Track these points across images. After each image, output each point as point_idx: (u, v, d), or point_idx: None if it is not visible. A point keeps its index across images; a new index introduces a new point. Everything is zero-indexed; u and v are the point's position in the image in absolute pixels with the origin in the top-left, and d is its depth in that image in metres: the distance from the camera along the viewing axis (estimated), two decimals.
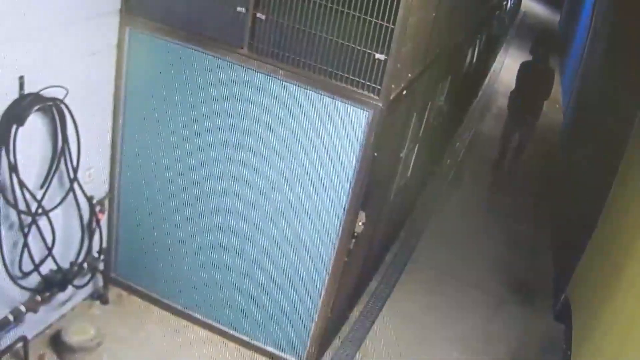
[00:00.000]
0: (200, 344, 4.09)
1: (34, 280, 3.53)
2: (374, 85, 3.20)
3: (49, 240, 3.48)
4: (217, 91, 3.52)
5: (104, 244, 4.03)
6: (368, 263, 4.73)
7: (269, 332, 4.04)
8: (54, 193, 3.45)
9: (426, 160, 5.84)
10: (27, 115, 3.03)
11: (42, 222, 3.39)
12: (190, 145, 3.71)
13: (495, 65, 12.29)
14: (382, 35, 3.08)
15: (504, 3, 11.09)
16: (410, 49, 3.38)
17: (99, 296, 4.20)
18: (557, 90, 9.24)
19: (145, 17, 3.52)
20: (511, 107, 7.41)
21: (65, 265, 3.73)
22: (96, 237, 3.90)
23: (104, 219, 3.96)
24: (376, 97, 3.22)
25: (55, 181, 3.42)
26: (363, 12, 3.07)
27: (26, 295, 3.51)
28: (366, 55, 3.15)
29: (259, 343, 4.09)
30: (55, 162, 3.36)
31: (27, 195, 3.22)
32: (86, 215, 3.76)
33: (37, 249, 3.44)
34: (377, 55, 3.12)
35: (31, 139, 3.19)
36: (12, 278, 3.34)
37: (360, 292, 4.90)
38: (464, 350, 4.68)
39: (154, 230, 4.05)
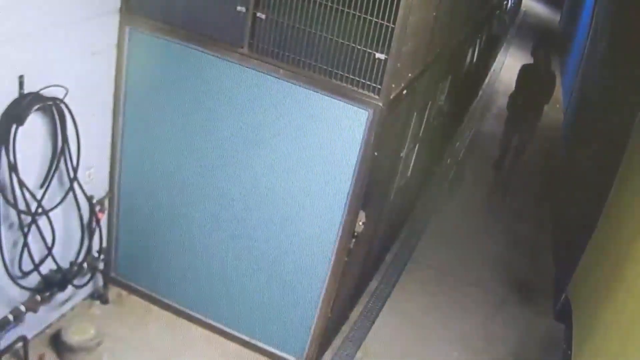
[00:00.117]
0: (200, 344, 4.09)
1: (33, 279, 3.53)
2: (374, 85, 3.20)
3: (49, 240, 3.48)
4: (217, 91, 3.51)
5: (104, 244, 4.02)
6: (368, 263, 4.72)
7: (269, 332, 4.03)
8: (54, 193, 3.45)
9: (426, 159, 5.83)
10: (27, 115, 3.03)
11: (42, 221, 3.39)
12: (189, 144, 3.71)
13: (496, 65, 12.29)
14: (382, 35, 3.07)
15: (504, 2, 11.08)
16: (410, 49, 3.37)
17: (99, 296, 4.20)
18: (557, 89, 9.22)
19: (145, 16, 3.51)
20: (511, 109, 7.37)
21: (65, 265, 3.73)
22: (96, 236, 3.89)
23: (103, 218, 3.96)
24: (376, 97, 3.22)
25: (55, 181, 3.42)
26: (363, 11, 3.07)
27: (26, 295, 3.51)
28: (366, 54, 3.14)
29: (259, 343, 4.09)
30: (55, 162, 3.36)
31: (27, 195, 3.22)
32: (86, 215, 3.76)
33: (37, 249, 3.44)
34: (378, 55, 3.12)
35: (31, 139, 3.18)
36: (12, 278, 3.33)
37: (360, 292, 4.90)
38: (464, 350, 4.67)
39: (154, 229, 4.05)
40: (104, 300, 4.20)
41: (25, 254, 3.36)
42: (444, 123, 6.01)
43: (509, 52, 13.65)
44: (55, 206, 3.44)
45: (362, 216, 3.61)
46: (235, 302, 4.03)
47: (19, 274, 3.39)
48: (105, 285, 4.21)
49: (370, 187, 3.55)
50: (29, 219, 3.30)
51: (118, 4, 3.52)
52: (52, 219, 3.44)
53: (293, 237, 3.69)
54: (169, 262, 4.10)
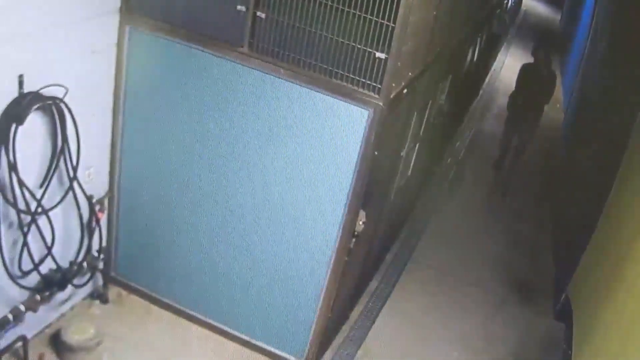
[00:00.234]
0: (200, 343, 4.09)
1: (33, 279, 3.52)
2: (374, 84, 3.19)
3: (49, 240, 3.47)
4: (217, 90, 3.51)
5: (104, 243, 4.02)
6: (368, 262, 4.72)
7: (269, 332, 4.03)
8: (54, 192, 3.44)
9: (427, 159, 5.83)
10: (27, 114, 3.02)
11: (42, 221, 3.39)
12: (189, 143, 3.71)
13: (496, 64, 12.29)
14: (382, 34, 3.07)
15: (505, 2, 11.08)
16: (410, 48, 3.37)
17: (99, 295, 4.19)
18: (557, 89, 9.21)
19: (145, 15, 3.51)
20: (511, 108, 7.34)
21: (65, 264, 3.73)
22: (96, 236, 3.89)
23: (103, 218, 3.95)
24: (376, 96, 3.22)
25: (54, 180, 3.41)
26: (364, 10, 3.06)
27: (26, 294, 3.51)
28: (367, 54, 3.14)
29: (259, 342, 4.09)
30: (55, 161, 3.36)
31: (27, 195, 3.22)
32: (86, 215, 3.75)
33: (36, 248, 3.43)
34: (378, 54, 3.12)
35: (31, 138, 3.18)
36: (12, 277, 3.33)
37: (360, 292, 4.89)
38: (465, 349, 4.67)
39: (153, 229, 4.04)
40: (104, 300, 4.20)
41: (25, 253, 3.35)
42: (444, 123, 6.01)
43: (510, 51, 13.65)
44: (55, 206, 3.44)
45: (362, 216, 3.60)
46: (236, 301, 4.02)
47: (18, 273, 3.39)
48: (105, 284, 4.21)
49: (370, 187, 3.55)
50: (28, 218, 3.29)
51: (118, 3, 3.52)
52: (52, 218, 3.44)
53: (293, 236, 3.69)
54: (169, 261, 4.09)
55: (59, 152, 3.35)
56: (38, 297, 3.56)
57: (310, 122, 3.38)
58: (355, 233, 3.63)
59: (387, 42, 3.08)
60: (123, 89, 3.73)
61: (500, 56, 12.86)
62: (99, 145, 3.80)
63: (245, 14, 3.27)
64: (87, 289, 4.13)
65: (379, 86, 3.19)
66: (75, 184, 3.51)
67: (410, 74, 3.62)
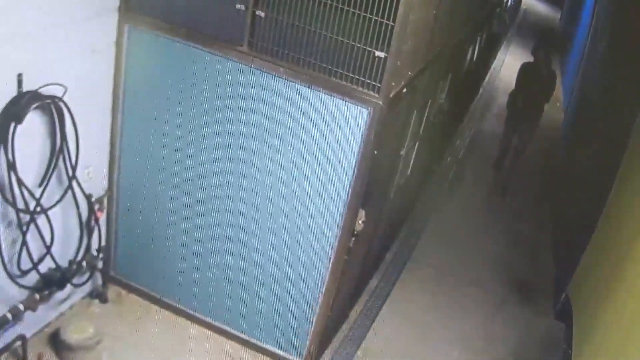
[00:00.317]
0: (199, 343, 4.08)
1: (32, 278, 3.52)
2: (374, 83, 3.19)
3: (48, 239, 3.47)
4: (216, 89, 3.50)
5: (103, 243, 4.02)
6: (368, 261, 4.71)
7: (269, 331, 4.02)
8: (53, 191, 3.44)
9: (426, 158, 5.83)
10: (26, 113, 3.02)
11: (41, 220, 3.38)
12: (189, 143, 3.70)
13: (496, 63, 12.28)
14: (382, 33, 3.06)
15: (505, 1, 11.08)
16: (410, 47, 3.36)
17: (98, 295, 4.19)
18: (558, 88, 9.20)
19: (145, 14, 3.50)
20: (511, 107, 7.28)
21: (64, 263, 3.72)
22: (95, 235, 3.88)
23: (102, 217, 3.95)
24: (376, 95, 3.21)
25: (53, 179, 3.41)
26: (363, 9, 3.06)
27: (25, 293, 3.50)
28: (366, 52, 3.13)
29: (258, 341, 4.08)
30: (54, 160, 3.35)
31: (26, 194, 3.21)
32: (85, 214, 3.74)
33: (35, 248, 3.42)
34: (377, 53, 3.11)
35: (30, 137, 3.17)
36: (11, 276, 3.32)
37: (360, 291, 4.89)
38: (465, 349, 4.67)
39: (153, 228, 4.04)
40: (103, 299, 4.19)
41: (24, 252, 3.35)
42: (444, 122, 6.00)
43: (509, 50, 13.64)
44: (54, 205, 3.43)
45: (361, 215, 3.60)
46: (235, 300, 4.02)
47: (17, 272, 3.38)
48: (104, 284, 4.20)
49: (370, 186, 3.54)
50: (27, 217, 3.29)
51: (117, 2, 3.51)
52: (51, 217, 3.43)
53: (292, 235, 3.68)
54: (169, 260, 4.09)
55: (58, 151, 3.34)
56: (37, 296, 3.55)
57: (310, 121, 3.38)
58: (355, 232, 3.63)
59: (386, 41, 3.07)
60: (122, 88, 3.72)
61: (500, 55, 12.86)
62: (98, 144, 3.79)
63: (245, 13, 3.26)
64: (87, 288, 4.12)
65: (379, 85, 3.18)
66: (74, 183, 3.51)
67: (410, 73, 3.62)
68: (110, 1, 3.48)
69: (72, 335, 3.68)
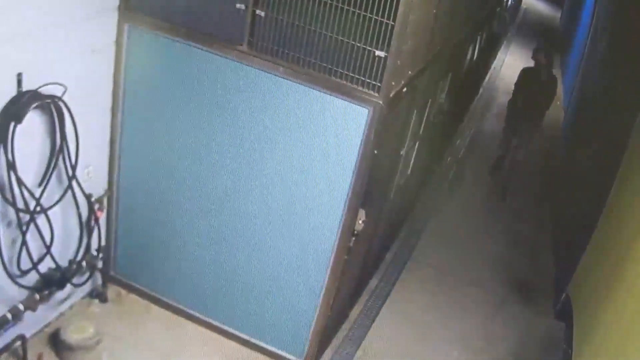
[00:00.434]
0: (199, 343, 4.08)
1: (32, 278, 3.52)
2: (374, 83, 3.18)
3: (48, 239, 3.46)
4: (216, 88, 3.50)
5: (103, 242, 4.02)
6: (368, 261, 4.71)
7: (269, 331, 4.02)
8: (53, 191, 3.43)
9: (426, 158, 5.82)
10: (25, 113, 3.02)
11: (41, 220, 3.38)
12: (189, 142, 3.70)
13: (496, 63, 12.28)
14: (382, 33, 3.06)
15: (505, 0, 11.07)
16: (410, 46, 3.36)
17: (98, 294, 4.18)
18: (558, 88, 9.19)
19: (144, 14, 3.50)
20: (511, 112, 7.06)
21: (64, 263, 3.72)
22: (95, 235, 3.88)
23: (102, 217, 3.94)
24: (376, 95, 3.21)
25: (53, 179, 3.40)
26: (363, 8, 3.06)
27: (25, 293, 3.50)
28: (366, 52, 3.13)
29: (258, 341, 4.08)
30: (54, 160, 3.35)
31: (26, 193, 3.20)
32: (85, 213, 3.74)
33: (35, 247, 3.42)
34: (377, 53, 3.11)
35: (29, 137, 3.17)
36: (11, 276, 3.32)
37: (360, 291, 4.89)
38: (465, 349, 4.66)
39: (153, 228, 4.04)
40: (103, 299, 4.19)
41: (24, 252, 3.35)
42: (444, 121, 6.00)
43: (510, 50, 13.64)
44: (54, 204, 3.43)
45: (362, 214, 3.59)
46: (235, 300, 4.01)
47: (17, 272, 3.38)
48: (104, 283, 4.20)
49: (370, 186, 3.54)
50: (27, 217, 3.28)
51: (117, 2, 3.51)
52: (51, 217, 3.43)
53: (292, 234, 3.68)
54: (168, 260, 4.09)
55: (58, 150, 3.34)
56: (37, 296, 3.55)
57: (310, 120, 3.37)
58: (355, 232, 3.63)
59: (387, 40, 3.07)
60: (122, 88, 3.72)
61: (500, 55, 12.86)
62: (98, 144, 3.79)
63: (245, 12, 3.26)
64: (86, 288, 4.12)
65: (379, 85, 3.18)
66: (74, 183, 3.50)
67: (410, 72, 3.61)
68: (110, 1, 3.48)
69: (72, 335, 3.67)
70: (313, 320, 3.87)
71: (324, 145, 3.40)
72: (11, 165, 3.05)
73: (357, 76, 3.20)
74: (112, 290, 4.28)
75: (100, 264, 4.06)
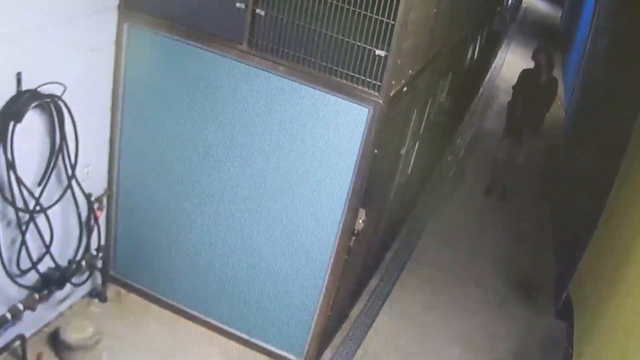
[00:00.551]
0: (199, 342, 4.07)
1: (32, 278, 3.51)
2: (374, 82, 3.18)
3: (47, 238, 3.46)
4: (216, 87, 3.49)
5: (103, 242, 4.01)
6: (368, 261, 4.70)
7: (269, 330, 4.02)
8: (52, 190, 3.43)
9: (427, 157, 5.81)
10: (25, 112, 3.01)
11: (40, 219, 3.37)
12: (188, 141, 3.69)
13: (496, 62, 12.27)
14: (382, 32, 3.05)
15: None
16: (411, 45, 3.35)
17: (98, 294, 4.18)
18: (559, 87, 9.18)
19: (144, 12, 3.49)
20: (510, 117, 6.87)
21: (64, 263, 3.71)
22: (94, 234, 3.87)
23: (102, 216, 3.94)
24: (376, 94, 3.20)
25: (53, 178, 3.40)
26: (363, 8, 3.05)
27: (24, 293, 3.49)
28: (366, 51, 3.12)
29: (258, 341, 4.07)
30: (53, 159, 3.34)
31: (25, 193, 3.20)
32: (84, 213, 3.73)
33: (35, 247, 3.41)
34: (378, 52, 3.10)
35: (29, 136, 3.16)
36: (10, 276, 3.32)
37: (360, 290, 4.88)
38: (465, 348, 4.66)
39: (152, 227, 4.03)
40: (103, 299, 4.18)
41: (24, 252, 3.34)
42: (445, 120, 5.99)
43: (510, 49, 13.63)
44: (54, 204, 3.43)
45: (362, 214, 3.59)
46: (235, 300, 4.01)
47: (17, 272, 3.38)
48: (103, 283, 4.19)
49: (370, 185, 3.53)
50: (26, 216, 3.28)
51: (117, 0, 3.50)
52: (50, 216, 3.42)
53: (293, 234, 3.67)
54: (169, 260, 4.08)
55: (57, 150, 3.33)
56: (36, 295, 3.54)
57: (310, 120, 3.36)
58: (355, 231, 3.62)
59: (387, 39, 3.06)
60: (122, 87, 3.71)
61: (500, 53, 12.85)
62: (97, 143, 3.78)
63: (245, 11, 3.25)
64: (86, 288, 4.11)
65: (379, 84, 3.17)
66: (73, 182, 3.50)
67: (410, 71, 3.61)
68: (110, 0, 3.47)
69: (72, 334, 3.67)
70: (313, 319, 3.86)
71: (324, 144, 3.39)
72: (11, 165, 3.05)
73: (357, 75, 3.19)
74: (111, 290, 4.27)
75: (99, 264, 4.05)
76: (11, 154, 3.02)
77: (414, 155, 4.88)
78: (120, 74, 3.67)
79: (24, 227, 3.27)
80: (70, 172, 3.44)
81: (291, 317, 3.91)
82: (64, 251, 3.71)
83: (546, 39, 14.48)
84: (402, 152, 4.38)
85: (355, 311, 4.72)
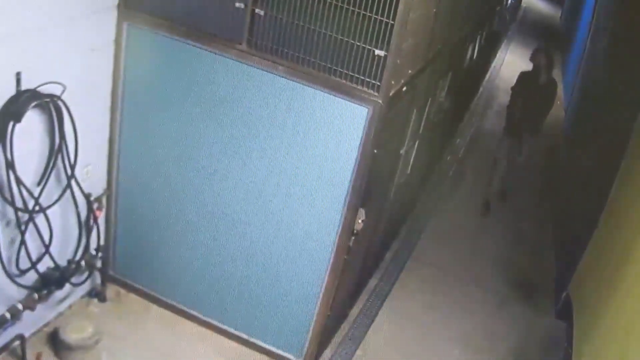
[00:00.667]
0: (198, 342, 4.07)
1: (31, 278, 3.51)
2: (373, 82, 3.17)
3: (47, 238, 3.46)
4: (215, 87, 3.49)
5: (102, 242, 4.01)
6: (368, 261, 4.70)
7: (268, 330, 4.02)
8: (51, 190, 3.43)
9: (427, 157, 5.81)
10: (24, 112, 3.01)
11: (40, 219, 3.37)
12: (188, 141, 3.69)
13: (496, 62, 12.27)
14: (382, 31, 3.05)
15: None
16: (410, 45, 3.35)
17: (97, 294, 4.18)
18: (559, 87, 9.18)
19: (144, 12, 3.49)
20: (509, 119, 6.76)
21: (63, 262, 3.71)
22: (94, 234, 3.87)
23: (101, 216, 3.94)
24: (376, 94, 3.20)
25: (52, 178, 3.39)
26: (363, 7, 3.05)
27: (23, 293, 3.49)
28: (366, 51, 3.12)
29: (258, 341, 4.07)
30: (53, 159, 3.34)
31: (24, 192, 3.20)
32: (84, 213, 3.73)
33: (34, 247, 3.41)
34: (377, 52, 3.10)
35: (28, 136, 3.16)
36: (10, 276, 3.32)
37: (360, 290, 4.88)
38: (465, 348, 4.66)
39: (152, 227, 4.03)
40: (102, 299, 4.18)
41: (23, 252, 3.34)
42: (444, 120, 5.99)
43: (510, 48, 13.63)
44: (53, 204, 3.42)
45: (361, 214, 3.59)
46: (234, 300, 4.01)
47: (16, 272, 3.37)
48: (103, 283, 4.19)
49: (369, 185, 3.53)
50: (26, 216, 3.28)
51: (116, 0, 3.50)
52: (50, 216, 3.42)
53: (292, 234, 3.67)
54: (168, 260, 4.08)
55: (57, 149, 3.33)
56: (36, 295, 3.54)
57: (309, 119, 3.36)
58: (355, 231, 3.62)
59: (386, 39, 3.06)
60: (121, 86, 3.71)
61: (500, 53, 12.85)
62: (97, 143, 3.78)
63: (244, 11, 3.25)
64: (86, 288, 4.11)
65: (378, 84, 3.17)
66: (73, 182, 3.50)
67: (410, 71, 3.60)
68: None
69: (71, 334, 3.67)
70: (312, 319, 3.86)
71: (323, 144, 3.39)
72: (10, 165, 3.05)
73: (356, 75, 3.19)
74: (111, 290, 4.27)
75: (99, 264, 4.05)
76: (10, 154, 3.02)
77: (413, 155, 4.88)
78: (120, 74, 3.67)
79: (23, 227, 3.27)
80: (69, 172, 3.44)
81: (291, 317, 3.91)
82: (63, 251, 3.71)
83: (546, 38, 14.48)
84: (402, 151, 4.38)
85: (354, 311, 4.72)
